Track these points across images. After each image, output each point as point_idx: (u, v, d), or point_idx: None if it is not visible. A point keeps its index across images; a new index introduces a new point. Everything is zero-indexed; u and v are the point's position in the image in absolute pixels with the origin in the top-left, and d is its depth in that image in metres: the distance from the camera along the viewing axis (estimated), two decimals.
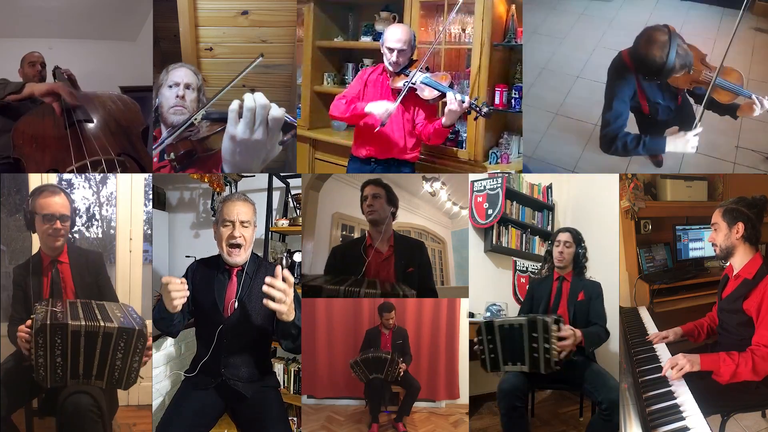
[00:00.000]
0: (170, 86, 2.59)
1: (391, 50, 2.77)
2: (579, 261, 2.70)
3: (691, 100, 2.69)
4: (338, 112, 2.88)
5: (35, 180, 2.93)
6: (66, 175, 2.75)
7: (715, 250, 2.33)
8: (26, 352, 1.99)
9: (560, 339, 2.30)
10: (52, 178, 2.81)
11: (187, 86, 2.60)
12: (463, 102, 2.63)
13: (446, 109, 2.67)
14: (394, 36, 2.78)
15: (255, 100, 1.73)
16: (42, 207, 2.35)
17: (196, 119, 2.29)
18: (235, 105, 1.75)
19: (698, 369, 2.07)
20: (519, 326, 2.37)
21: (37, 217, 2.35)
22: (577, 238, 2.71)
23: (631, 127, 2.68)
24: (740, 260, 2.25)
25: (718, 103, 2.54)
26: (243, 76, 2.39)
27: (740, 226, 2.22)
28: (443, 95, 2.70)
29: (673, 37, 2.40)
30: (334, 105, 2.91)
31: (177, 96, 2.57)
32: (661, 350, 2.45)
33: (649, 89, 2.59)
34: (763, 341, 2.05)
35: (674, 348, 2.48)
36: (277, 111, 1.76)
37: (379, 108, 2.74)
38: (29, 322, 1.98)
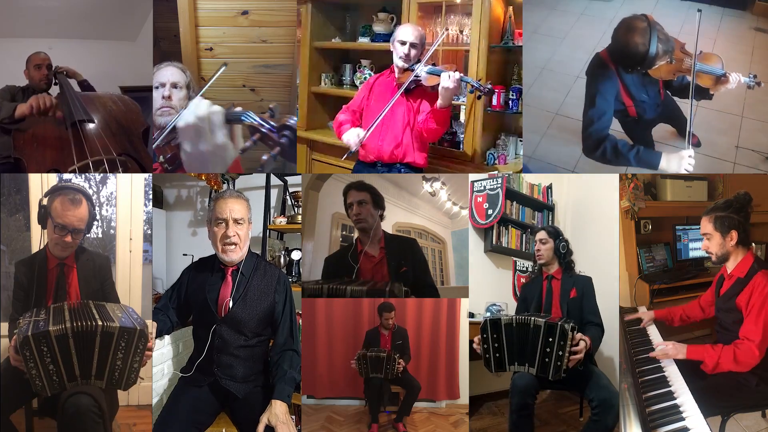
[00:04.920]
0: (156, 87, 2.54)
1: (402, 43, 2.77)
2: (561, 255, 2.66)
3: (662, 92, 2.69)
4: (334, 126, 2.98)
5: (35, 180, 2.93)
6: (66, 175, 2.75)
7: (711, 257, 2.37)
8: (22, 368, 1.95)
9: (573, 348, 2.27)
10: (52, 179, 2.81)
11: (174, 85, 2.54)
12: (456, 77, 2.60)
13: (440, 88, 2.63)
14: (406, 30, 2.79)
15: (194, 112, 1.70)
16: (58, 215, 2.27)
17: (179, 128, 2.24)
18: (181, 123, 1.71)
19: (683, 357, 2.23)
20: (535, 327, 2.32)
21: (50, 220, 2.29)
22: (554, 233, 2.68)
23: (615, 130, 2.66)
24: (734, 261, 2.31)
25: (699, 87, 2.55)
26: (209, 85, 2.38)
27: (734, 234, 2.26)
28: None
29: (653, 25, 2.40)
30: (336, 121, 2.98)
31: (163, 97, 2.52)
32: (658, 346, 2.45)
33: (633, 86, 2.58)
34: (748, 335, 2.11)
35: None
36: (214, 110, 1.73)
37: (351, 135, 2.79)
38: (14, 339, 1.94)
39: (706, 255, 3.46)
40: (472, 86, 2.69)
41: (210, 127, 1.71)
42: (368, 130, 2.75)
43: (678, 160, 2.50)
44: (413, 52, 2.78)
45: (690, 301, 3.12)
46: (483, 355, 2.43)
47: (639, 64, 2.46)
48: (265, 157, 1.80)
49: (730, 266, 2.32)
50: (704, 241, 2.36)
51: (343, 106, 3.00)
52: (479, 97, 2.95)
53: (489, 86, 2.71)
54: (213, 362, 2.22)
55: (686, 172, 2.52)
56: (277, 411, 2.08)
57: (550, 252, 2.67)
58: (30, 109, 2.75)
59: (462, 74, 2.66)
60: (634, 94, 2.60)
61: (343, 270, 2.65)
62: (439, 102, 2.68)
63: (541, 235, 2.70)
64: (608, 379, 2.38)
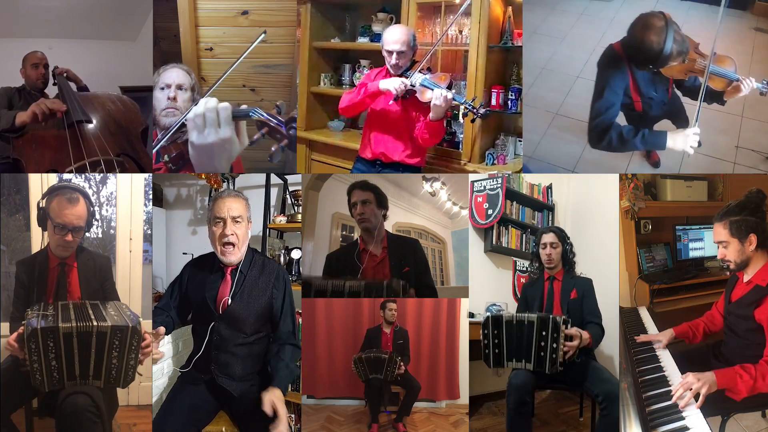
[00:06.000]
0: (162, 88, 2.56)
1: (390, 53, 2.75)
2: (567, 258, 2.68)
3: (679, 93, 2.67)
4: (348, 98, 2.85)
5: (35, 180, 2.93)
6: (66, 175, 2.75)
7: (728, 266, 2.21)
8: (17, 354, 1.95)
9: (567, 339, 2.29)
10: (51, 179, 2.81)
11: (179, 87, 2.55)
12: (448, 97, 2.57)
13: (431, 104, 2.62)
14: (392, 38, 2.75)
15: (204, 104, 1.74)
16: (56, 215, 2.27)
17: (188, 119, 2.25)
18: (190, 114, 1.76)
19: (715, 389, 1.89)
20: (529, 323, 2.36)
21: (49, 221, 2.29)
22: (562, 236, 2.68)
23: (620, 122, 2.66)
24: (753, 267, 2.17)
25: (710, 91, 2.52)
26: (246, 55, 2.38)
27: (753, 238, 2.12)
28: None
29: (670, 23, 2.37)
30: (342, 98, 2.91)
31: (168, 98, 2.53)
32: (661, 350, 2.44)
33: (643, 83, 2.55)
34: None
35: (676, 348, 2.47)
36: (222, 106, 1.76)
37: (393, 82, 2.69)
38: (21, 329, 1.94)
39: (707, 255, 3.53)
40: (467, 108, 2.63)
41: (218, 120, 1.75)
42: (419, 69, 2.68)
43: (684, 138, 2.48)
44: (401, 61, 2.75)
45: (691, 302, 3.15)
46: (483, 350, 2.45)
47: (652, 62, 2.43)
48: (273, 148, 1.85)
49: (749, 272, 2.18)
50: (720, 250, 2.20)
51: (349, 90, 2.96)
52: (473, 120, 2.82)
53: (484, 109, 2.63)
54: (210, 360, 2.22)
55: (692, 150, 2.48)
56: (278, 395, 2.07)
57: (559, 256, 2.67)
58: (32, 117, 2.74)
59: (455, 93, 2.63)
60: (642, 90, 2.57)
61: (345, 268, 2.66)
62: (431, 116, 2.66)
63: (552, 238, 2.67)
64: (610, 372, 2.40)
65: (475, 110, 2.62)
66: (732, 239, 2.15)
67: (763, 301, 2.09)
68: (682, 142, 2.49)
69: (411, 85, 2.71)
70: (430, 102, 2.65)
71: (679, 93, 2.70)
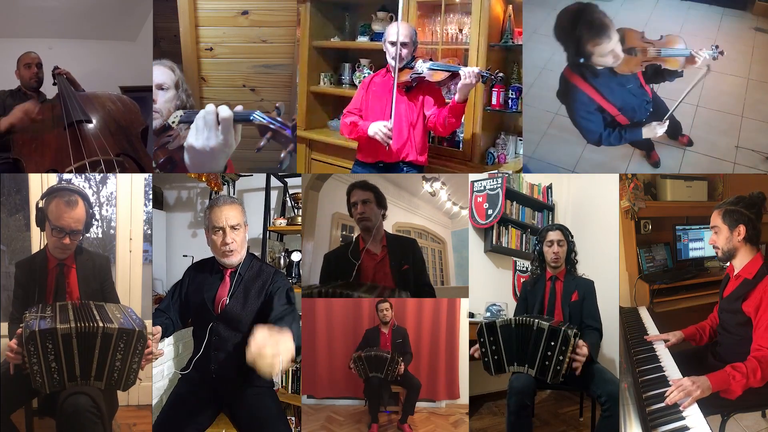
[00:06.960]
0: None
1: (393, 44, 2.76)
2: (570, 258, 2.67)
3: (647, 88, 2.71)
4: (345, 132, 2.92)
5: (35, 180, 2.93)
6: (66, 175, 2.75)
7: (716, 253, 2.31)
8: (15, 361, 1.94)
9: (575, 356, 2.25)
10: (52, 179, 2.81)
11: (160, 87, 2.52)
12: (476, 71, 2.62)
13: (460, 85, 2.64)
14: (394, 30, 2.78)
15: (206, 108, 1.71)
16: (54, 217, 2.28)
17: (173, 122, 2.18)
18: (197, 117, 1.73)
19: (709, 393, 1.92)
20: (539, 330, 2.31)
21: (47, 223, 2.30)
22: (567, 234, 2.68)
23: None
24: (741, 261, 2.24)
25: (669, 71, 2.61)
26: None
27: (741, 228, 2.20)
28: (454, 75, 2.69)
29: (586, 7, 2.52)
30: (341, 124, 2.95)
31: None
32: (661, 350, 2.44)
33: (609, 91, 2.61)
34: (764, 343, 2.02)
35: (675, 348, 2.47)
36: (225, 112, 1.72)
37: (375, 128, 2.73)
38: (19, 331, 1.94)
39: (706, 255, 3.53)
40: (483, 77, 2.70)
41: (217, 123, 1.73)
42: (391, 119, 2.74)
43: (652, 130, 2.65)
44: (404, 51, 2.77)
45: (691, 302, 3.15)
46: (482, 359, 2.43)
47: (576, 48, 2.53)
48: (282, 155, 1.85)
49: (738, 265, 2.25)
50: (712, 235, 2.30)
51: (345, 111, 2.97)
52: (492, 86, 3.04)
53: (500, 74, 2.72)
54: (210, 360, 2.23)
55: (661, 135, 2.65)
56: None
57: (565, 254, 2.65)
58: (19, 120, 2.76)
59: (477, 67, 2.69)
60: (613, 101, 2.63)
61: (342, 268, 2.66)
62: (457, 97, 2.68)
63: (558, 235, 2.66)
64: (612, 373, 2.38)
65: (492, 76, 2.68)
66: (723, 226, 2.25)
67: (750, 294, 2.14)
68: (651, 132, 2.66)
69: (418, 73, 2.74)
70: (441, 82, 2.70)
71: (647, 87, 2.72)
